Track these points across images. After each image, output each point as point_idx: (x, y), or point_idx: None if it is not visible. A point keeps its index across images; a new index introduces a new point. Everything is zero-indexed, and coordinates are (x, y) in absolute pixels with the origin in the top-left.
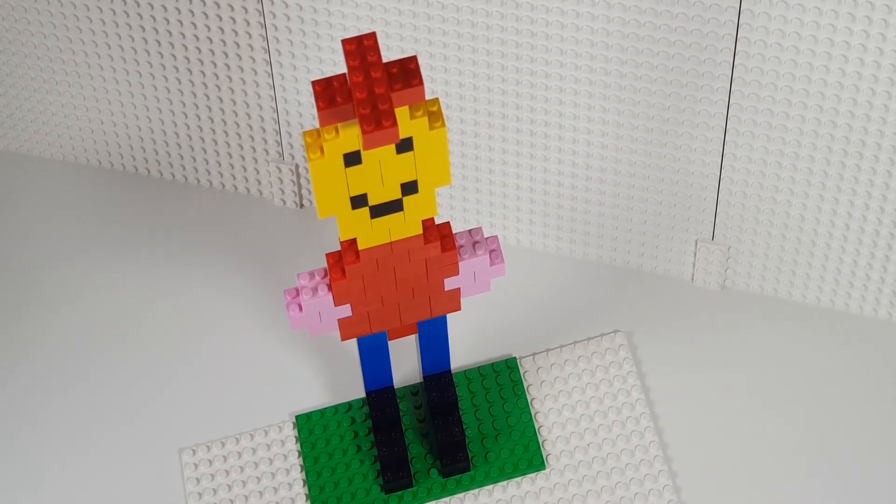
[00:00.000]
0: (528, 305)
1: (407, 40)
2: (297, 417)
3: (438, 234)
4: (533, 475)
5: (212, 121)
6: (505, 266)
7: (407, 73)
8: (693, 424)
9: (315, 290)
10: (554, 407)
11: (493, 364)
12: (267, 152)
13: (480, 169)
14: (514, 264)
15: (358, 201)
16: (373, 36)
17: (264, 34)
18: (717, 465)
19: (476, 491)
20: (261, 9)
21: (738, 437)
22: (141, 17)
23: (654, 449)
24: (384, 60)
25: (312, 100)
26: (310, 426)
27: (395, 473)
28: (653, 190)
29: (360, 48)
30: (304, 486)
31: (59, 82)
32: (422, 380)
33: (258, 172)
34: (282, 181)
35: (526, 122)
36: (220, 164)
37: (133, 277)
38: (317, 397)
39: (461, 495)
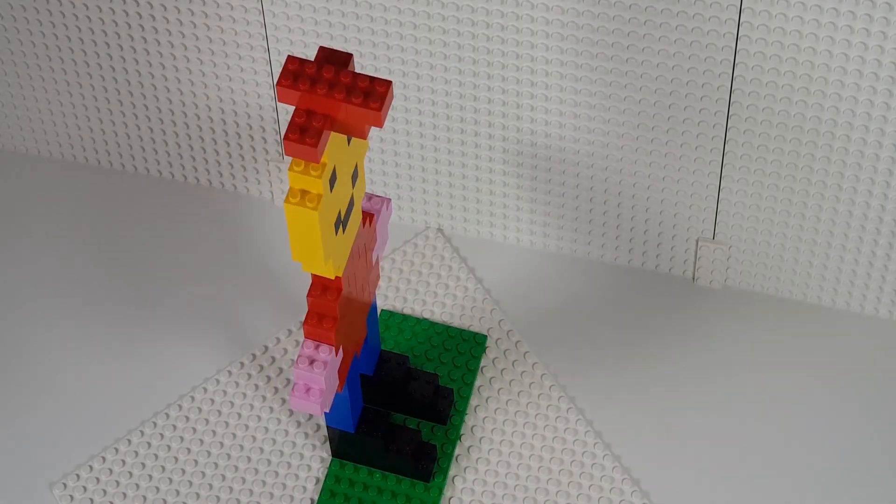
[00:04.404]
0: (524, 304)
1: (421, 41)
2: None
3: (366, 211)
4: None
5: (211, 120)
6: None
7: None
8: (693, 424)
9: (311, 363)
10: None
11: (462, 331)
12: (267, 152)
13: (481, 168)
14: (514, 263)
15: (337, 223)
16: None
17: (264, 34)
18: (713, 465)
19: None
20: (260, 9)
21: (737, 435)
22: (140, 17)
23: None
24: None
25: None
26: None
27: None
28: (654, 189)
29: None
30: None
31: (59, 82)
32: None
33: (258, 172)
34: (282, 181)
35: (526, 121)
36: (219, 164)
37: (132, 276)
38: None
39: None
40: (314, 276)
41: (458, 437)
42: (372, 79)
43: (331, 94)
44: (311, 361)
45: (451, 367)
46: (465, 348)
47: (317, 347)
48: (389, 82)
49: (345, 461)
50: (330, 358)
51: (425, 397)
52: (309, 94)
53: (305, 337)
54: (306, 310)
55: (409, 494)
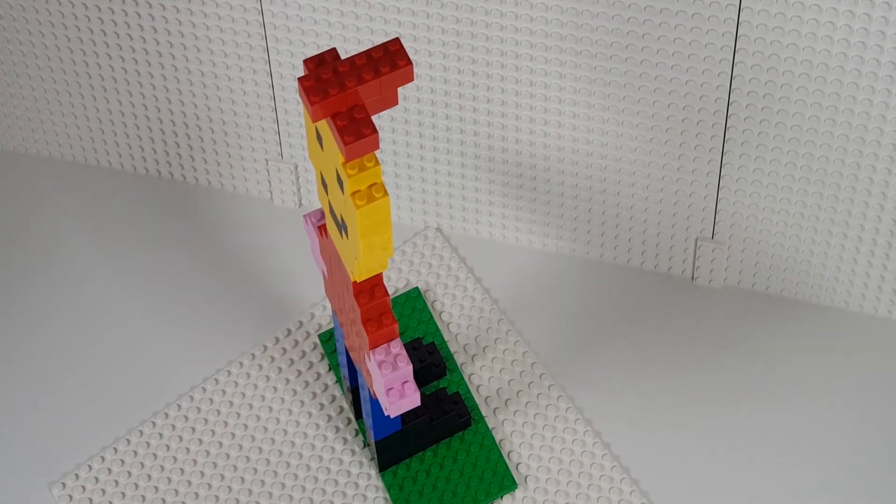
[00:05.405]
0: (523, 304)
1: (420, 41)
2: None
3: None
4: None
5: (211, 120)
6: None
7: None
8: (692, 423)
9: (394, 363)
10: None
11: (395, 297)
12: (266, 152)
13: (480, 168)
14: (513, 263)
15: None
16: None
17: (263, 33)
18: (712, 464)
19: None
20: (260, 8)
21: (737, 434)
22: (139, 17)
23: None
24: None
25: None
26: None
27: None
28: (653, 189)
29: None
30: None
31: (59, 82)
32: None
33: (258, 172)
34: (281, 181)
35: (526, 120)
36: (219, 164)
37: (132, 276)
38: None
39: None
40: (356, 286)
41: (462, 379)
42: (382, 46)
43: (362, 81)
44: (394, 361)
45: (414, 332)
46: (408, 310)
47: (387, 348)
48: (397, 38)
49: (392, 467)
50: (403, 348)
51: (422, 361)
52: (342, 95)
53: (371, 348)
54: (360, 318)
55: (465, 449)
